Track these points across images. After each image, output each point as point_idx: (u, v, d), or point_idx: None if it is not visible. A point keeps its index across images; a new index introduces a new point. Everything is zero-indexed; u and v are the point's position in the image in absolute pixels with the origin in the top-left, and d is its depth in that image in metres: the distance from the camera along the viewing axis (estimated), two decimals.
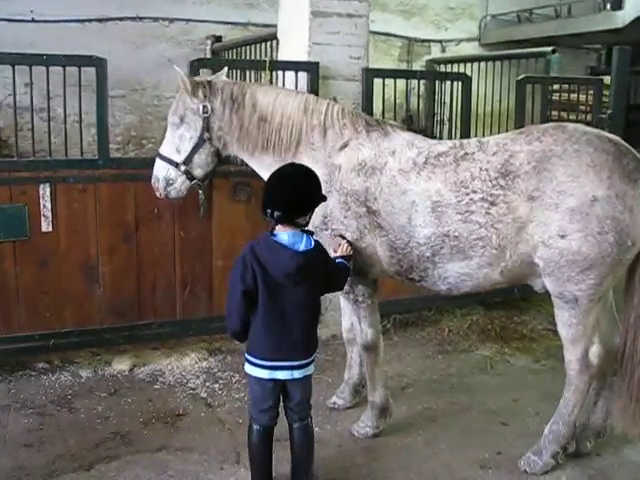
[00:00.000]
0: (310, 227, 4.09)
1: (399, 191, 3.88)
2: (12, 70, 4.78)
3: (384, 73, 5.86)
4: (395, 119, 7.60)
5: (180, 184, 4.37)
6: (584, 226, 3.55)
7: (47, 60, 4.81)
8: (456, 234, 3.75)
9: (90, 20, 7.77)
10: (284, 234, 3.36)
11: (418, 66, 9.37)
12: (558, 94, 7.10)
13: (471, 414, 4.71)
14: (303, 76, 5.44)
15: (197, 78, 4.45)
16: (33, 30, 7.47)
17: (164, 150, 4.37)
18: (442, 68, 8.97)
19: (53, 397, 4.78)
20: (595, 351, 3.83)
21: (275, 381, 3.46)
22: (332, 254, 3.83)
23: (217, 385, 5.05)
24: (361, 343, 4.30)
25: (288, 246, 3.34)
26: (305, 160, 4.10)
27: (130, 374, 5.20)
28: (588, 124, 6.68)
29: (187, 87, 4.23)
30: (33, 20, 7.58)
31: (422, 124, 8.84)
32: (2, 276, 4.87)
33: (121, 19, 7.93)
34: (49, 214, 4.90)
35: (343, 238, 3.98)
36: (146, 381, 5.10)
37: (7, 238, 4.83)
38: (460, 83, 6.01)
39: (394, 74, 5.90)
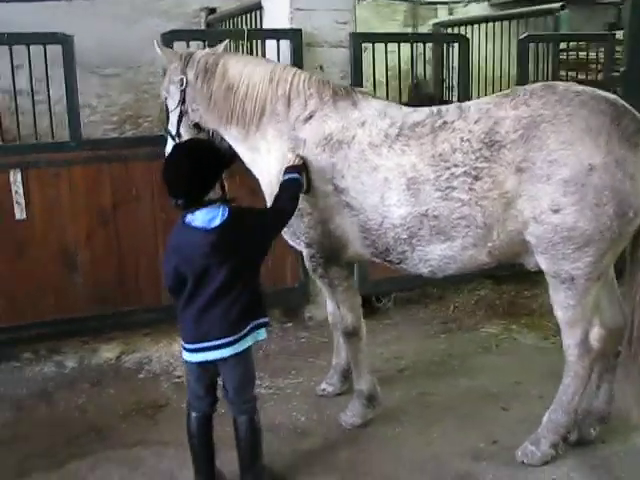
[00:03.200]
0: None
1: (369, 167, 3.56)
2: None
3: (373, 37, 5.49)
4: (400, 87, 7.25)
5: None
6: (580, 198, 3.19)
7: (9, 39, 4.57)
8: (436, 213, 3.41)
9: None
10: (198, 214, 3.18)
11: (425, 30, 8.93)
12: (569, 53, 6.65)
13: (470, 399, 4.41)
14: (286, 44, 5.12)
15: (176, 50, 4.34)
16: (17, 9, 7.16)
17: (167, 124, 4.31)
18: (449, 31, 8.53)
19: (33, 390, 4.63)
20: (596, 334, 3.51)
21: (205, 365, 3.31)
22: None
23: None
24: (341, 329, 4.04)
25: (200, 226, 3.17)
26: (270, 132, 3.86)
27: (117, 362, 5.02)
28: (600, 84, 6.28)
29: (166, 60, 4.15)
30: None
31: (430, 91, 8.46)
32: None
33: None
34: (22, 201, 4.68)
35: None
36: (132, 369, 4.92)
37: None
38: (457, 45, 5.62)
39: (384, 38, 5.52)
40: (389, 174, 3.50)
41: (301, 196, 3.72)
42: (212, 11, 7.85)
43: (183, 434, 4.01)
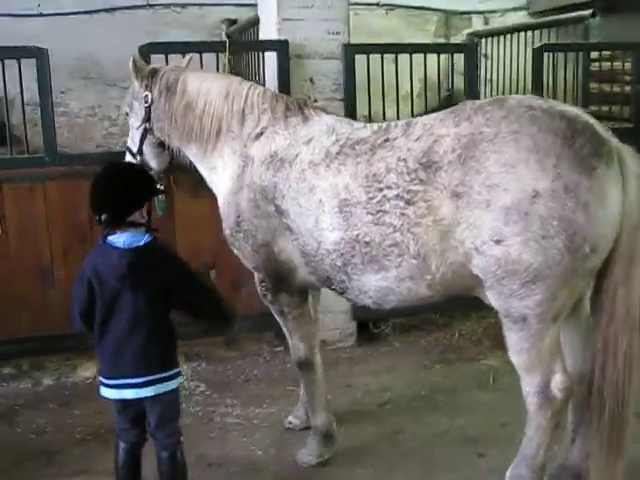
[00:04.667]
0: (226, 229, 3.71)
1: (307, 188, 3.29)
2: None
3: (368, 49, 5.19)
4: (439, 98, 6.86)
5: None
6: (524, 228, 2.80)
7: None
8: (367, 239, 3.11)
9: (98, 11, 7.47)
10: (121, 235, 2.99)
11: (458, 40, 8.52)
12: (599, 63, 6.15)
13: (445, 441, 4.05)
14: (273, 56, 4.91)
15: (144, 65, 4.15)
16: (40, 24, 7.23)
17: (127, 140, 4.19)
18: (484, 41, 8.09)
19: (1, 408, 4.54)
20: (559, 381, 3.07)
21: (124, 401, 3.08)
22: None
23: None
24: (294, 359, 3.78)
25: (120, 246, 2.96)
26: (225, 151, 3.68)
27: (93, 382, 4.87)
28: (627, 97, 5.80)
29: (135, 74, 3.95)
30: (41, 14, 7.35)
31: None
32: None
33: (130, 8, 7.57)
34: None
35: None
36: None
37: None
38: (462, 55, 5.28)
39: (379, 49, 5.22)
40: (323, 195, 3.23)
41: (245, 219, 3.53)
42: (233, 22, 7.72)
43: None
